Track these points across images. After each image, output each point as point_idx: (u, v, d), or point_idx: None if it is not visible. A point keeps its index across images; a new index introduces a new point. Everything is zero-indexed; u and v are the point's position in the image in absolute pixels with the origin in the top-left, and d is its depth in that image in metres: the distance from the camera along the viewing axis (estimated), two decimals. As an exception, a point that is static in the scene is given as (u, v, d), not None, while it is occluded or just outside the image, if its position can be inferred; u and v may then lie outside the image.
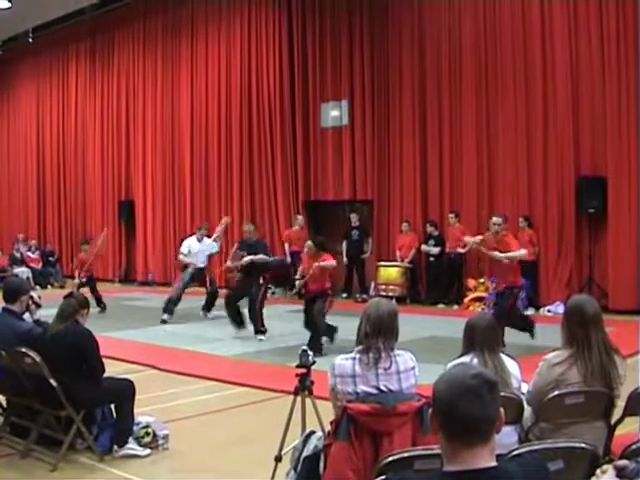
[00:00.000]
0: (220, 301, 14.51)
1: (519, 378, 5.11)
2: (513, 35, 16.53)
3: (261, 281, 13.37)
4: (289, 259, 18.05)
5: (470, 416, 2.46)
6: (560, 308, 13.98)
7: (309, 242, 12.38)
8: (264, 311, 13.32)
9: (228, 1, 21.93)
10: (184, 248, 15.96)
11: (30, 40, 27.19)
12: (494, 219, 11.58)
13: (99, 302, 16.85)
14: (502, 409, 2.52)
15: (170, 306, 15.43)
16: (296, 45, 20.29)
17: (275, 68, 20.64)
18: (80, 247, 18.27)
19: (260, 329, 13.06)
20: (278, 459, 5.70)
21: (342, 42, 19.44)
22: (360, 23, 19.12)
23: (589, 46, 15.47)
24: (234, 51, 21.75)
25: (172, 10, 23.38)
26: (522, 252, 11.46)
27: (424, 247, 17.56)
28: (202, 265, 15.79)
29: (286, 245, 18.99)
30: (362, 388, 4.65)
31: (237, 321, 13.37)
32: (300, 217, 19.23)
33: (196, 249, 15.77)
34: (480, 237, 11.97)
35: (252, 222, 15.56)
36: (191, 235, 16.66)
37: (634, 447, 3.58)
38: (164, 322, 15.10)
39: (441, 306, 16.59)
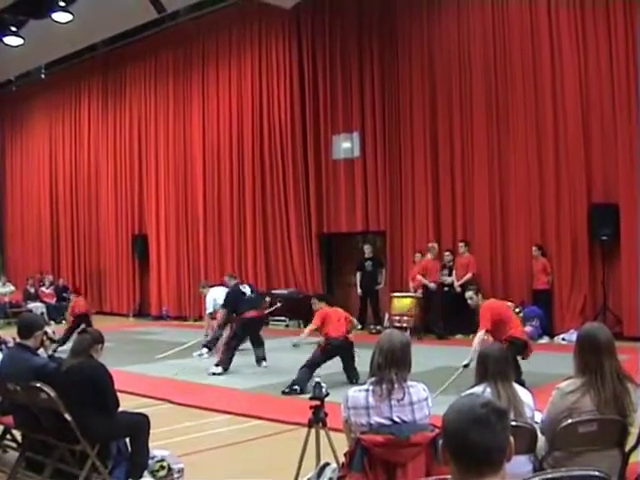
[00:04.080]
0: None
1: (532, 407, 5.10)
2: (523, 64, 16.60)
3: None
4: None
5: (481, 445, 2.46)
6: (574, 336, 13.87)
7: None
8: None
9: (238, 35, 22.13)
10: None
11: (43, 76, 27.44)
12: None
13: None
14: (512, 437, 2.53)
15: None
16: (307, 78, 20.41)
17: (286, 101, 20.77)
18: None
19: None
20: (293, 491, 5.70)
21: (352, 74, 19.57)
22: (370, 55, 19.27)
23: (599, 73, 15.53)
24: (245, 84, 21.91)
25: (183, 44, 23.58)
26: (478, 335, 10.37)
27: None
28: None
29: (419, 277, 17.41)
30: (376, 419, 4.66)
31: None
32: (434, 245, 17.62)
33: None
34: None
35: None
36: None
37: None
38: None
39: (459, 336, 16.45)
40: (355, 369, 11.58)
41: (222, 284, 15.74)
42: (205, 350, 15.15)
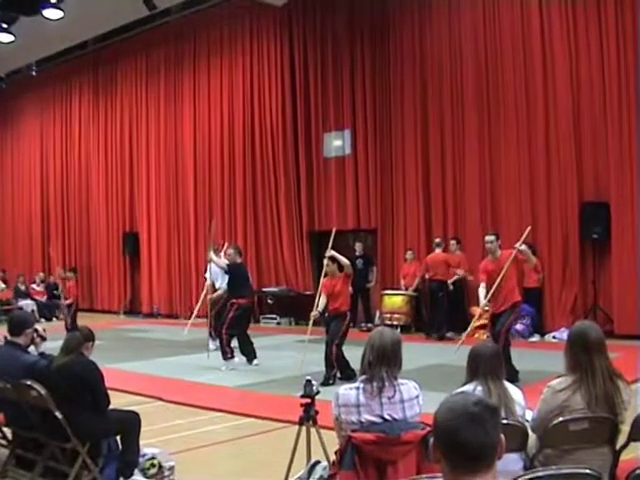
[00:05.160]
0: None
1: (523, 405, 5.10)
2: (514, 63, 16.61)
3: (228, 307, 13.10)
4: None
5: (473, 443, 2.45)
6: (565, 334, 13.85)
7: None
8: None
9: (230, 32, 22.12)
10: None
11: (33, 73, 27.39)
12: (487, 237, 11.30)
13: None
14: (503, 435, 2.52)
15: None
16: (298, 76, 20.41)
17: (277, 99, 20.76)
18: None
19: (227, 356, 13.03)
20: (284, 489, 5.69)
21: (344, 72, 19.56)
22: (361, 53, 19.26)
23: (590, 71, 15.54)
24: (236, 83, 21.89)
25: (174, 42, 23.56)
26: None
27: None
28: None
29: (426, 275, 17.19)
30: (366, 417, 4.65)
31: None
32: (442, 241, 17.29)
33: None
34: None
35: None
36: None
37: (637, 472, 3.58)
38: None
39: (450, 334, 16.40)
40: None
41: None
42: (211, 341, 14.65)
